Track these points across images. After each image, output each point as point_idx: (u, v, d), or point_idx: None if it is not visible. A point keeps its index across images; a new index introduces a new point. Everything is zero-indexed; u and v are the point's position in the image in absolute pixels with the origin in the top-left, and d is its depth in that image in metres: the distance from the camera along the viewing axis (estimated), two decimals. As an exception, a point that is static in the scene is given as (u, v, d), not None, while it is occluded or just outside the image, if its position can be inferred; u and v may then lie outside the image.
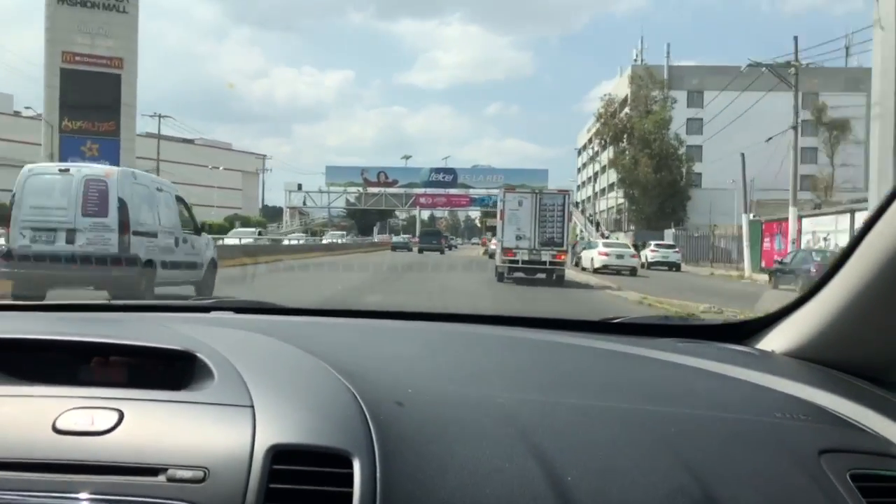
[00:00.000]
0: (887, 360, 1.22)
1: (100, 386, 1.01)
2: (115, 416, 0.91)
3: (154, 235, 9.23)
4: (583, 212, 74.01)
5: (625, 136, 55.67)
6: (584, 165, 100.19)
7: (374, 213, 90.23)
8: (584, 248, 31.11)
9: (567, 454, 0.89)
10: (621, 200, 64.76)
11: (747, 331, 1.48)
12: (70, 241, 8.38)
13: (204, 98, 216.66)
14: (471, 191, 77.37)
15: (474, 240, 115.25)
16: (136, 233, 8.74)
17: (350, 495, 0.79)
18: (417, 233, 77.00)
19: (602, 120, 58.55)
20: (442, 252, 42.73)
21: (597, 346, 1.39)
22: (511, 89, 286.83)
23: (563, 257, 18.73)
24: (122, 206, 8.55)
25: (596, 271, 26.27)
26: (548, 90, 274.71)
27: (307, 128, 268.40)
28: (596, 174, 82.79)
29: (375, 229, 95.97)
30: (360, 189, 78.57)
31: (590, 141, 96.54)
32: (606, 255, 27.01)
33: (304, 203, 78.37)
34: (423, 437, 0.90)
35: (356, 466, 0.82)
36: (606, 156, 69.94)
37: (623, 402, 1.07)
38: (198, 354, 1.07)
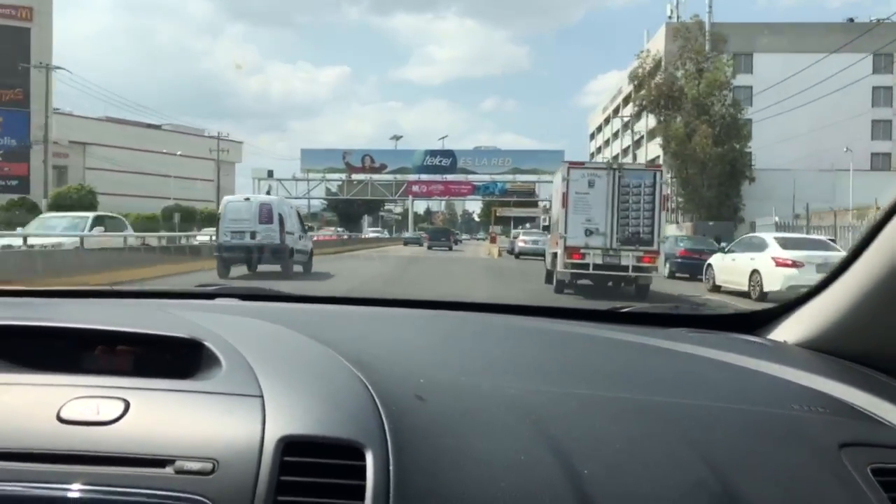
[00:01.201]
0: None
1: (104, 374, 0.98)
2: (120, 406, 0.89)
3: (292, 234, 16.25)
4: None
5: (670, 100, 43.58)
6: (600, 150, 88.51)
7: (360, 204, 78.44)
8: (727, 251, 16.75)
9: (583, 447, 0.87)
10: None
11: (759, 321, 1.46)
12: (252, 237, 15.32)
13: (199, 95, 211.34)
14: (472, 177, 65.56)
15: (479, 235, 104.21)
16: (287, 233, 15.76)
17: (363, 488, 0.78)
18: (409, 228, 65.87)
19: (637, 80, 46.36)
20: (450, 248, 43.31)
21: (607, 335, 1.37)
22: (507, 84, 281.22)
23: (652, 260, 13.64)
24: (280, 217, 15.61)
25: (761, 298, 13.75)
26: (545, 85, 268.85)
27: (302, 124, 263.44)
28: (617, 156, 70.77)
29: (365, 223, 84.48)
30: (344, 176, 66.74)
31: (606, 121, 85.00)
32: (793, 265, 13.45)
33: (269, 192, 66.50)
34: (437, 429, 0.87)
35: (369, 458, 0.80)
36: (635, 128, 58.23)
37: (638, 394, 1.05)
38: (205, 342, 1.04)
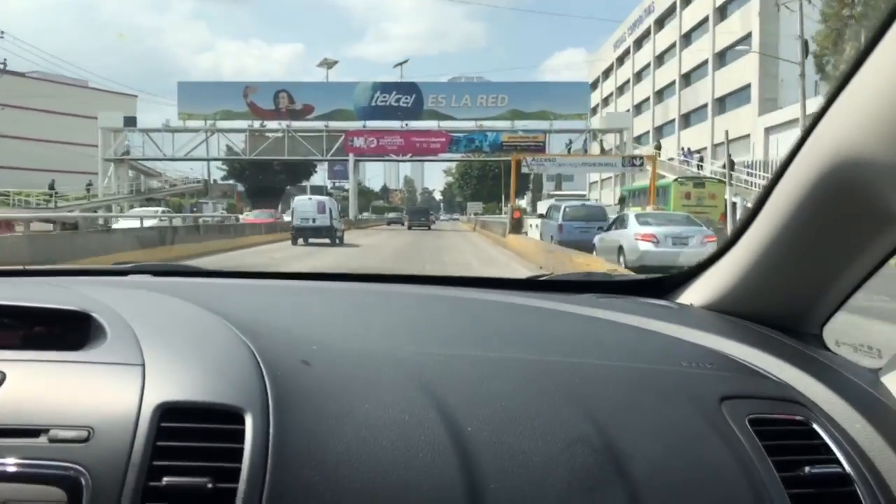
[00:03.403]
0: (796, 309, 1.25)
1: None
2: None
3: (336, 219, 23.88)
4: (658, 149, 39.08)
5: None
6: (607, 100, 66.08)
7: (278, 168, 54.58)
8: None
9: (468, 405, 0.90)
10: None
11: (668, 286, 1.50)
12: (313, 222, 22.70)
13: (147, 72, 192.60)
14: (448, 124, 42.46)
15: (455, 216, 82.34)
16: (333, 219, 23.22)
17: (242, 451, 0.80)
18: (351, 208, 43.09)
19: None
20: (429, 227, 42.93)
21: (515, 301, 1.39)
22: (464, 61, 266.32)
23: None
24: (330, 210, 23.18)
25: None
26: (501, 62, 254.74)
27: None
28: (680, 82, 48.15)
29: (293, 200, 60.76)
30: (248, 124, 42.98)
31: (627, 53, 62.63)
32: None
33: (127, 153, 42.23)
34: (322, 393, 0.90)
35: (248, 422, 0.82)
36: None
37: (530, 355, 1.09)
38: (92, 314, 1.05)
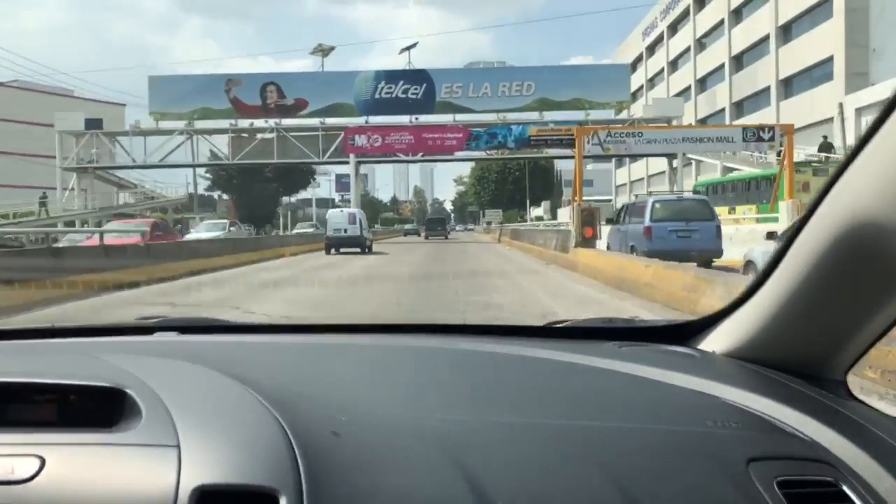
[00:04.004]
0: (821, 356, 1.24)
1: (22, 427, 0.98)
2: (36, 463, 0.89)
3: (365, 229, 26.67)
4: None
5: None
6: (635, 95, 59.58)
7: (269, 176, 48.31)
8: None
9: (497, 477, 0.91)
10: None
11: (691, 331, 1.50)
12: (344, 232, 25.10)
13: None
14: (464, 117, 36.25)
15: (470, 226, 76.52)
16: (363, 229, 25.79)
17: None
18: (356, 223, 36.94)
19: None
20: (445, 237, 46.05)
21: (538, 354, 1.41)
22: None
23: None
24: (360, 221, 25.75)
25: None
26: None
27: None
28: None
29: (290, 223, 54.66)
30: (230, 123, 36.89)
31: (671, 28, 56.29)
32: None
33: (92, 160, 36.09)
34: (354, 468, 0.90)
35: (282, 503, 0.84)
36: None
37: (557, 418, 1.10)
38: (127, 391, 1.05)
